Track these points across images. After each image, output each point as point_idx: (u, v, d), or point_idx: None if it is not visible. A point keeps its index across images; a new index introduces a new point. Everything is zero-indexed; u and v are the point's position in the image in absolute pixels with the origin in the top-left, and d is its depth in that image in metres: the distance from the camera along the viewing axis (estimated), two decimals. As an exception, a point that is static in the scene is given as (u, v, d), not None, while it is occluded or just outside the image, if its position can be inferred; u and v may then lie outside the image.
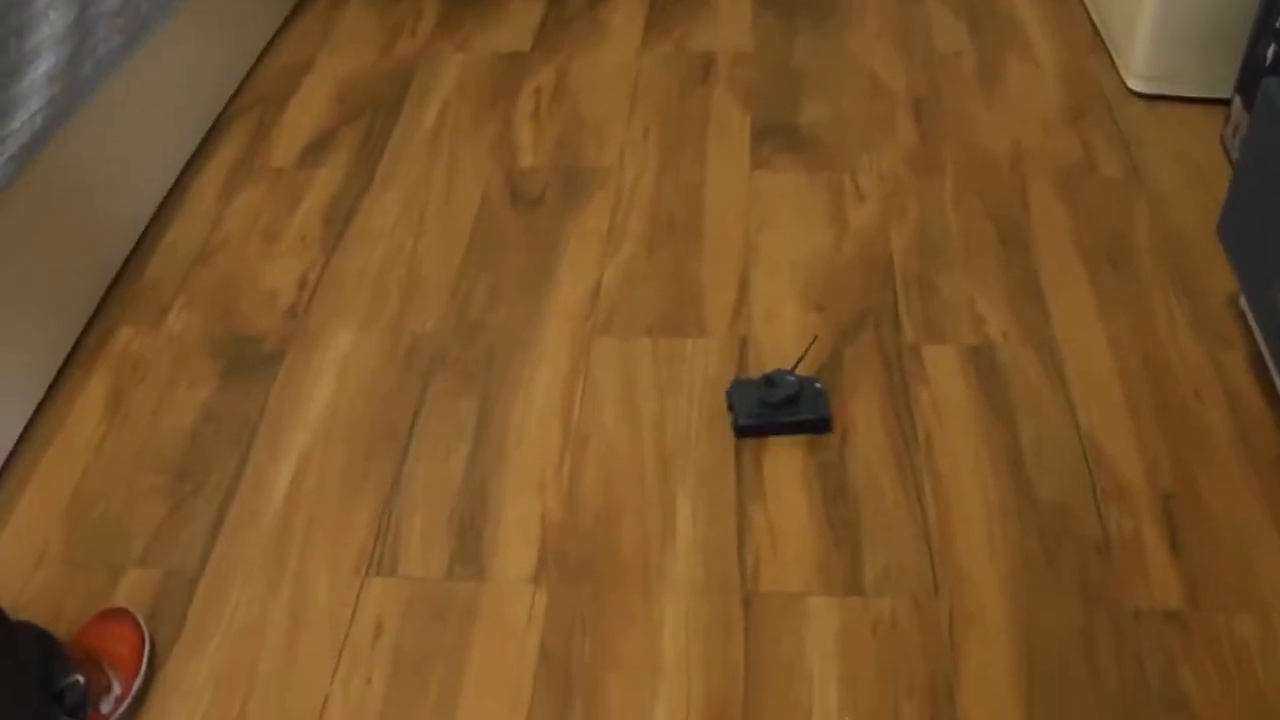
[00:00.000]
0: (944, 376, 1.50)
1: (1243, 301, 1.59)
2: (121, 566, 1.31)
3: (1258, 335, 1.52)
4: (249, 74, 2.13)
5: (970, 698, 1.16)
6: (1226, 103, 1.92)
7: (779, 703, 1.16)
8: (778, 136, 1.93)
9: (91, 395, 1.51)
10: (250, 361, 1.55)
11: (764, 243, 1.72)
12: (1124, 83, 2.02)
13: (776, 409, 1.42)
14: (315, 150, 1.94)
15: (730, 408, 1.45)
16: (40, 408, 1.49)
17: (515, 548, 1.31)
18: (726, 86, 2.06)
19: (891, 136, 1.93)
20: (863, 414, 1.45)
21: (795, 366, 1.48)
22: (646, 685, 1.18)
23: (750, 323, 1.59)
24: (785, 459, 1.40)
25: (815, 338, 1.55)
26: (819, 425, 1.43)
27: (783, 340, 1.56)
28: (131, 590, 1.28)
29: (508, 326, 1.59)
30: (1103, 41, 2.15)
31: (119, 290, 1.67)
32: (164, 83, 1.82)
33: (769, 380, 1.44)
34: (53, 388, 1.52)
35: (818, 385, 1.46)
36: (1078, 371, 1.50)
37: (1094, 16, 2.20)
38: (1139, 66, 1.98)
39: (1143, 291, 1.62)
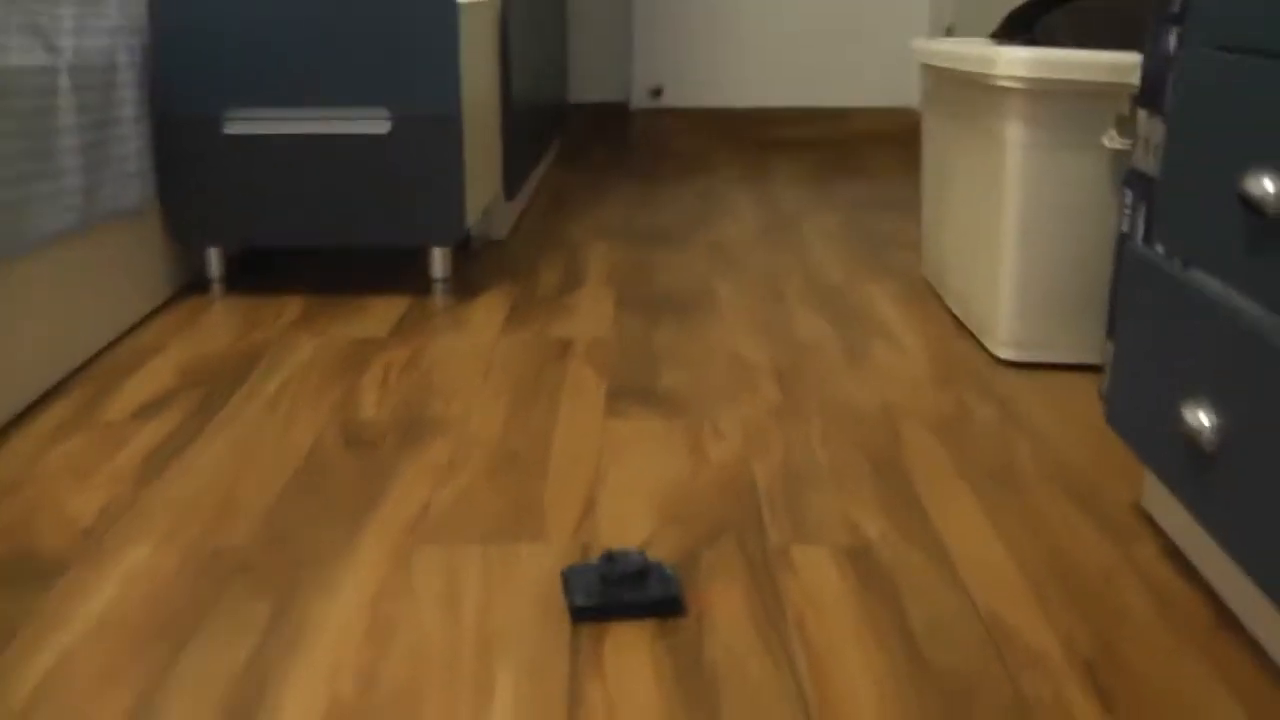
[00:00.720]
0: (816, 569, 1.29)
1: (1145, 503, 1.42)
2: None
3: (1166, 525, 1.35)
4: (101, 350, 1.98)
5: None
6: (1099, 367, 1.85)
7: None
8: (634, 395, 1.81)
9: None
10: (28, 574, 1.29)
11: (615, 472, 1.54)
12: (993, 355, 1.95)
13: (620, 586, 1.19)
14: (151, 408, 1.75)
15: (565, 590, 1.21)
16: None
17: (285, 727, 1.02)
18: (584, 361, 1.96)
19: (754, 395, 1.81)
20: (722, 599, 1.22)
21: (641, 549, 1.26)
22: None
23: (595, 531, 1.38)
24: (630, 640, 1.15)
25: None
26: (670, 605, 1.19)
27: (631, 545, 1.34)
28: None
29: (322, 540, 1.36)
30: (967, 330, 2.11)
31: None
32: (5, 333, 1.67)
33: (610, 557, 1.21)
34: None
35: (668, 570, 1.23)
36: (970, 564, 1.30)
37: (955, 310, 2.18)
38: (1005, 336, 1.92)
39: (1035, 503, 1.45)
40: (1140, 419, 1.28)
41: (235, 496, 1.47)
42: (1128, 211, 1.75)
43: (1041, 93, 1.82)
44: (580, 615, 1.18)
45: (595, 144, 4.15)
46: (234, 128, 2.22)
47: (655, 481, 1.51)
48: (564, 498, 1.46)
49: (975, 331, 2.05)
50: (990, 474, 1.53)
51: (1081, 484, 1.50)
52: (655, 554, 1.32)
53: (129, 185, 2.11)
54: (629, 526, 1.39)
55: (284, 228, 2.27)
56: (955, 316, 2.18)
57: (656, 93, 3.98)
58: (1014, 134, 1.85)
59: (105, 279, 2.06)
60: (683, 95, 3.97)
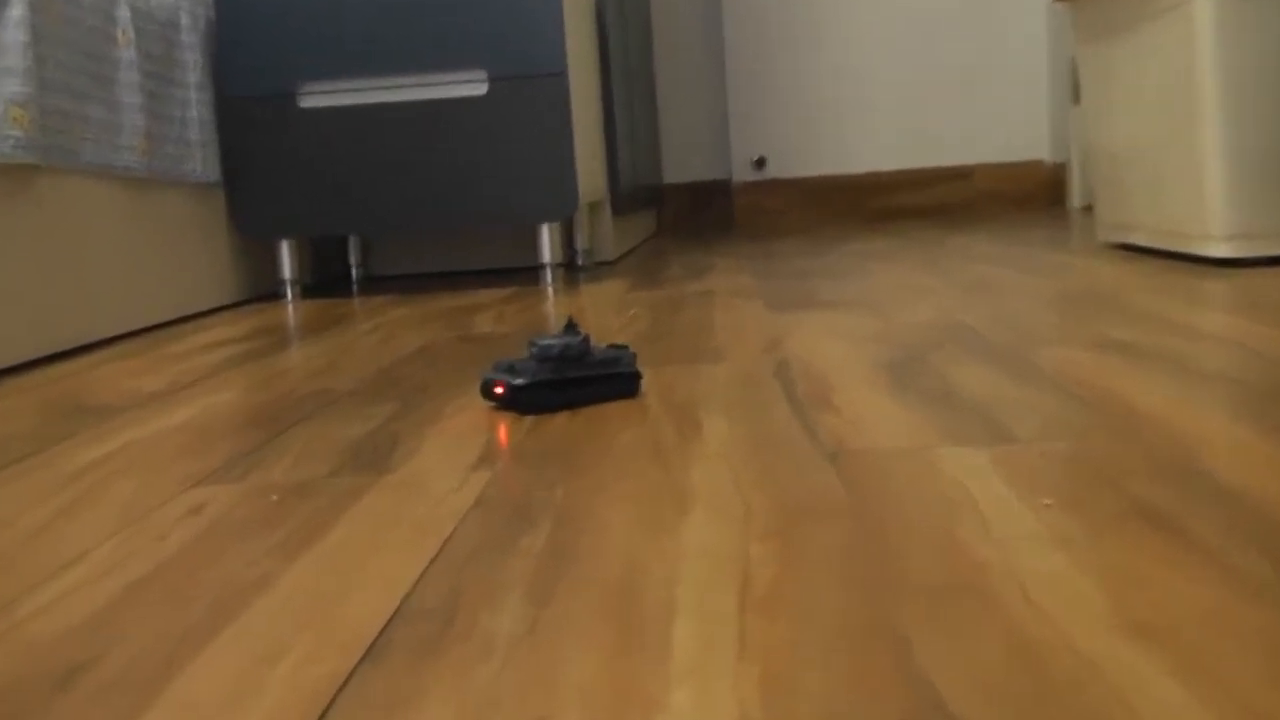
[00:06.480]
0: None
1: None
2: None
3: None
4: (159, 324, 1.81)
5: None
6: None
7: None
8: (792, 306, 1.58)
9: None
10: (89, 417, 1.09)
11: (788, 340, 1.31)
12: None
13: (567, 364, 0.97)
14: (223, 344, 1.57)
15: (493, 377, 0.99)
16: None
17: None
18: (731, 296, 1.74)
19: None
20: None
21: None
22: None
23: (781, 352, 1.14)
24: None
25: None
26: (626, 384, 1.00)
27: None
28: None
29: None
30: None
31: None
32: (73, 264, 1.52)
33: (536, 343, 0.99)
34: None
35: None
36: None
37: (1151, 241, 1.95)
38: (1218, 230, 1.69)
39: None
40: None
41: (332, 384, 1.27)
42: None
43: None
44: (510, 400, 0.96)
45: (696, 222, 4.00)
46: (309, 102, 2.10)
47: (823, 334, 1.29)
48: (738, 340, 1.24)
49: (1183, 243, 1.82)
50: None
51: None
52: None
53: (191, 152, 1.98)
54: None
55: (367, 213, 2.12)
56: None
57: (759, 164, 3.86)
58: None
59: (170, 255, 1.91)
60: (788, 165, 3.84)
